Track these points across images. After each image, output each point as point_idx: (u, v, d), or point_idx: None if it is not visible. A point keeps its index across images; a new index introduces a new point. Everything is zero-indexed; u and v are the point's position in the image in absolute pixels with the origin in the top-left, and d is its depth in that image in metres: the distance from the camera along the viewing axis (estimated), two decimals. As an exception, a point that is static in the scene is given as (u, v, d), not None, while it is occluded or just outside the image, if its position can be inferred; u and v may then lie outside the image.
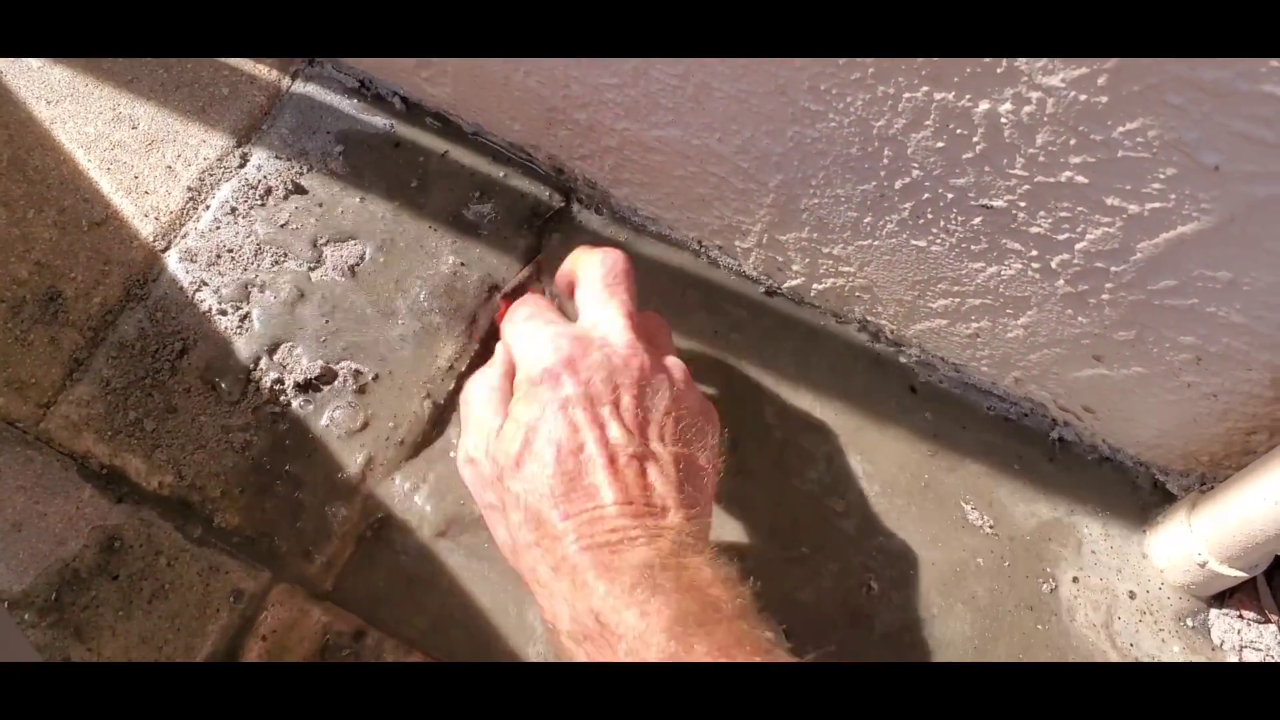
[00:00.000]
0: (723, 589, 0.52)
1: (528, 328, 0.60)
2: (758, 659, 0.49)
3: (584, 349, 0.56)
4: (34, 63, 0.84)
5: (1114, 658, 0.73)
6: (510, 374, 0.61)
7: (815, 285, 0.78)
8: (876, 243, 0.70)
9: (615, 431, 0.54)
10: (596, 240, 0.83)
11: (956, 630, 0.73)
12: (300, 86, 0.85)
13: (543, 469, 0.53)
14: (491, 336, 0.78)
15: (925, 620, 0.73)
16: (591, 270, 0.62)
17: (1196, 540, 0.71)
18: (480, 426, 0.60)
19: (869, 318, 0.79)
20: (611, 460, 0.53)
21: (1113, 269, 0.62)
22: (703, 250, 0.82)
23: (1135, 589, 0.75)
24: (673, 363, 0.59)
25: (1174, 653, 0.73)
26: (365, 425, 0.73)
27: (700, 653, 0.48)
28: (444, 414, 0.76)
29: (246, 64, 0.86)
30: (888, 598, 0.74)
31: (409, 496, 0.74)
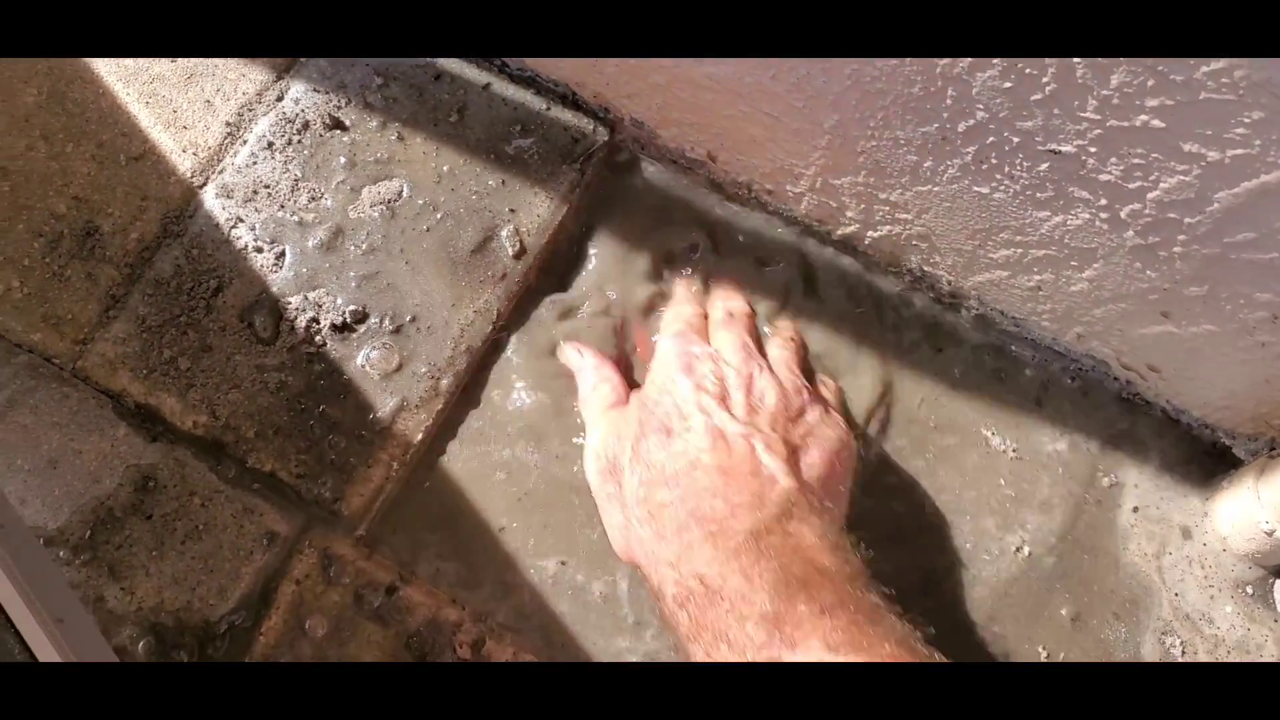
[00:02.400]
0: (831, 556, 0.55)
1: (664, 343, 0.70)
2: (861, 618, 0.51)
3: (697, 359, 0.66)
4: (72, -9, 0.82)
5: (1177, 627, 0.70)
6: (623, 384, 0.70)
7: (870, 233, 0.75)
8: (936, 189, 0.67)
9: (722, 418, 0.61)
10: (644, 185, 0.80)
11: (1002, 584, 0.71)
12: (341, 18, 0.83)
13: (656, 448, 0.61)
14: (528, 293, 0.76)
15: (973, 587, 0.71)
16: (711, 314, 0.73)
17: (1264, 508, 0.68)
18: (602, 424, 0.67)
19: (926, 268, 0.76)
20: (719, 436, 0.60)
21: (1186, 220, 0.58)
22: (752, 194, 0.78)
23: (1198, 553, 0.72)
24: (787, 378, 0.67)
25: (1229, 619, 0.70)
26: (400, 367, 0.72)
27: (802, 612, 0.51)
28: (481, 358, 0.74)
29: (287, -6, 0.83)
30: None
31: (445, 440, 0.72)
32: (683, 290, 0.76)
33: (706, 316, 0.73)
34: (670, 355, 0.67)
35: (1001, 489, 0.73)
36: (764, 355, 0.69)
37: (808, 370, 0.72)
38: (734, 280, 0.76)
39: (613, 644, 0.68)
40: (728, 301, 0.73)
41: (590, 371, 0.71)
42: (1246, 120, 0.50)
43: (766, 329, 0.74)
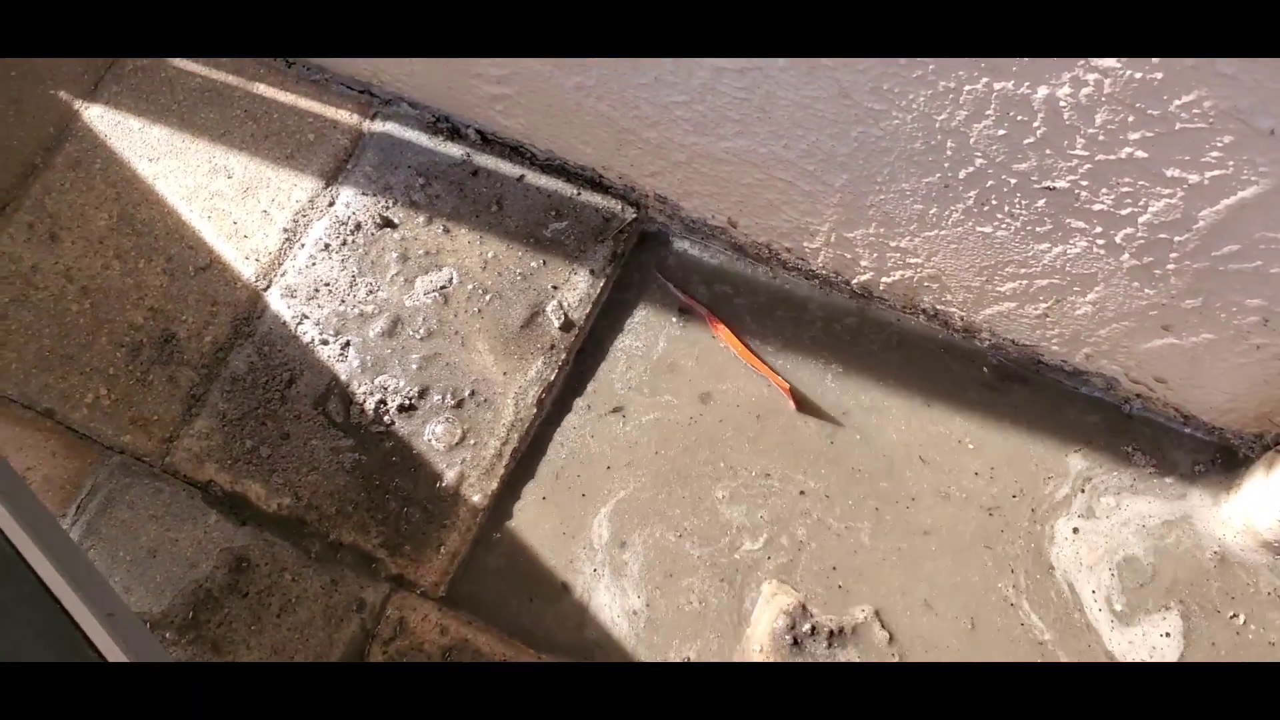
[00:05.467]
0: None
1: None
2: None
3: None
4: (134, 123, 0.90)
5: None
6: None
7: (884, 279, 0.81)
8: (943, 232, 0.73)
9: None
10: (673, 256, 0.87)
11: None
12: (380, 126, 0.90)
13: None
14: (582, 351, 0.82)
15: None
16: None
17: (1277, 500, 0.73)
18: None
19: (939, 306, 0.81)
20: None
21: (1176, 239, 0.64)
22: (772, 253, 0.85)
23: (1221, 549, 0.77)
24: None
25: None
26: (463, 438, 0.77)
27: None
28: (536, 423, 0.79)
29: (329, 109, 0.91)
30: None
31: (512, 504, 0.78)
32: None
33: None
34: None
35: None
36: None
37: None
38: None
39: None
40: None
41: None
42: (1219, 144, 0.56)
43: None
